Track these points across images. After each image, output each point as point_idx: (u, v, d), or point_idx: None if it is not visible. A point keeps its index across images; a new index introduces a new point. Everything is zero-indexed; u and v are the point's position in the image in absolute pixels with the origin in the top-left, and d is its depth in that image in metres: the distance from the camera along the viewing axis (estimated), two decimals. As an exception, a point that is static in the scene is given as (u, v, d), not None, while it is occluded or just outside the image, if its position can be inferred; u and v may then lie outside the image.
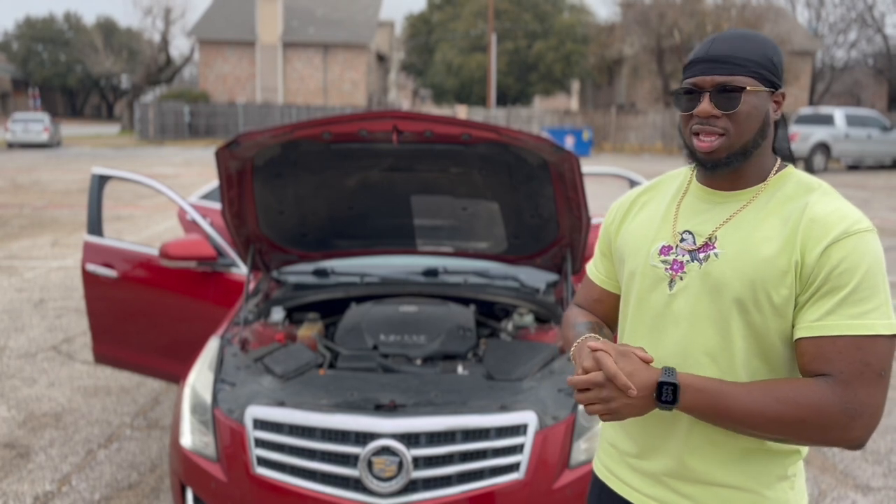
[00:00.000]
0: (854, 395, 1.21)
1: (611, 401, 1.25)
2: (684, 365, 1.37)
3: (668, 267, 1.40)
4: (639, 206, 1.53)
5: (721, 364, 1.34)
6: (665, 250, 1.41)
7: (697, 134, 1.35)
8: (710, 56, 1.32)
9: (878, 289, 1.24)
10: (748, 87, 1.30)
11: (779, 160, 1.41)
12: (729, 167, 1.35)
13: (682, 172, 1.51)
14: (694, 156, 1.37)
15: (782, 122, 1.44)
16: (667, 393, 1.25)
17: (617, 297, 1.60)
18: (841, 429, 1.22)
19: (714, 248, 1.35)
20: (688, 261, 1.37)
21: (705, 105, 1.32)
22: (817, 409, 1.21)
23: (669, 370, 1.27)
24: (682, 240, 1.40)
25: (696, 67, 1.34)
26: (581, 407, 2.51)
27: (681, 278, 1.37)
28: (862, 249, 1.25)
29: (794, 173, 1.39)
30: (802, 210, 1.30)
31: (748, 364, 1.33)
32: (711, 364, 1.34)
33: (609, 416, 1.27)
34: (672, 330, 1.38)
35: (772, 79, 1.33)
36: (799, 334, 1.28)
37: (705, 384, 1.26)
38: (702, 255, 1.36)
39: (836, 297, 1.24)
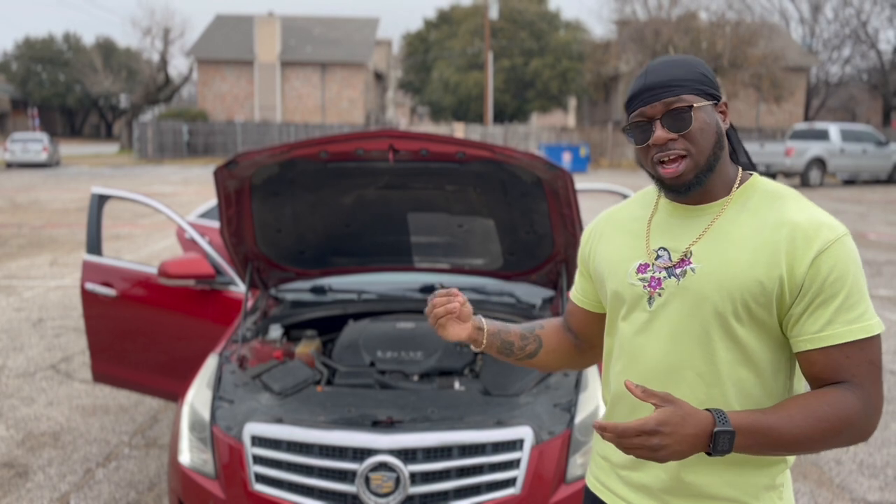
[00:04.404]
0: (868, 394, 1.29)
1: (659, 449, 1.18)
2: (669, 380, 1.39)
3: (646, 284, 1.42)
4: (611, 227, 1.57)
5: (706, 377, 1.36)
6: (642, 268, 1.44)
7: (662, 162, 1.36)
8: (649, 85, 1.35)
9: (863, 290, 1.31)
10: (695, 105, 1.33)
11: (740, 169, 1.44)
12: (699, 186, 1.37)
13: (650, 191, 1.54)
14: (662, 184, 1.39)
15: (733, 131, 1.46)
16: (724, 442, 1.20)
17: (586, 313, 1.65)
18: (864, 428, 1.29)
19: (690, 263, 1.37)
20: (665, 277, 1.40)
21: (660, 132, 1.34)
22: (849, 419, 1.27)
23: (721, 415, 1.22)
24: (658, 257, 1.42)
25: (639, 99, 1.36)
26: (577, 421, 2.53)
27: (659, 294, 1.40)
28: (846, 255, 1.30)
29: (760, 181, 1.42)
30: (778, 220, 1.34)
31: (733, 374, 1.35)
32: (696, 378, 1.37)
33: (652, 459, 1.21)
34: (654, 346, 1.41)
35: (711, 91, 1.37)
36: (805, 346, 1.31)
37: (752, 423, 1.23)
38: (678, 271, 1.38)
39: (832, 306, 1.29)
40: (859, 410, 1.28)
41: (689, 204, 1.42)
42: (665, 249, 1.42)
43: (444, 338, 1.52)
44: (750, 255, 1.32)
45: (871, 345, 1.30)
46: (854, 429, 1.28)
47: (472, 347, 1.57)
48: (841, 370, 1.29)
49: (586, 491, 1.61)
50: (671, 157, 1.35)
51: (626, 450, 1.20)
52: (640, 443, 1.18)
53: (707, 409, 1.23)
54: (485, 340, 1.57)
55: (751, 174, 1.44)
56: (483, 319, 1.58)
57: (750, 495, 1.38)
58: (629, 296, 1.45)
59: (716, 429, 1.20)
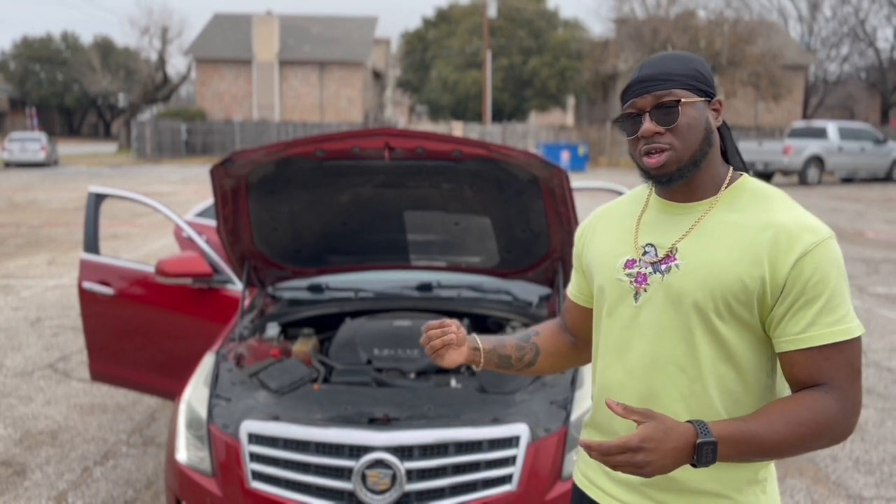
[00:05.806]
0: (847, 396, 1.31)
1: (645, 465, 1.20)
2: (652, 374, 1.40)
3: (633, 280, 1.44)
4: (604, 223, 1.58)
5: (689, 372, 1.38)
6: (629, 264, 1.45)
7: (649, 153, 1.39)
8: (643, 77, 1.38)
9: (845, 293, 1.33)
10: (683, 99, 1.35)
11: (731, 169, 1.45)
12: (682, 179, 1.39)
13: (643, 188, 1.56)
14: (648, 174, 1.41)
15: (727, 130, 1.48)
16: (707, 453, 1.22)
17: (582, 309, 1.66)
18: (843, 429, 1.31)
19: (675, 259, 1.39)
20: (651, 273, 1.42)
21: (648, 124, 1.37)
22: (827, 422, 1.29)
23: (702, 426, 1.24)
24: (645, 252, 1.44)
25: (632, 91, 1.39)
26: (573, 418, 2.54)
27: (645, 290, 1.42)
28: (829, 258, 1.31)
29: (749, 181, 1.43)
30: (763, 221, 1.35)
31: (714, 370, 1.37)
32: (679, 373, 1.38)
33: (639, 475, 1.23)
34: (639, 341, 1.42)
35: (704, 88, 1.38)
36: (786, 347, 1.33)
37: (734, 432, 1.25)
38: (663, 267, 1.40)
39: (814, 308, 1.30)
40: (837, 413, 1.29)
41: (678, 202, 1.44)
42: (652, 245, 1.44)
43: (442, 366, 1.53)
44: (733, 255, 1.34)
45: (850, 347, 1.31)
46: (833, 431, 1.30)
47: (473, 367, 1.57)
48: (821, 372, 1.31)
49: (574, 487, 1.62)
50: (655, 150, 1.37)
51: (613, 467, 1.21)
52: (625, 460, 1.20)
53: (688, 421, 1.25)
54: (482, 359, 1.60)
55: (741, 175, 1.45)
56: (478, 338, 1.60)
57: (733, 489, 1.40)
58: (616, 291, 1.47)
59: (698, 440, 1.22)
